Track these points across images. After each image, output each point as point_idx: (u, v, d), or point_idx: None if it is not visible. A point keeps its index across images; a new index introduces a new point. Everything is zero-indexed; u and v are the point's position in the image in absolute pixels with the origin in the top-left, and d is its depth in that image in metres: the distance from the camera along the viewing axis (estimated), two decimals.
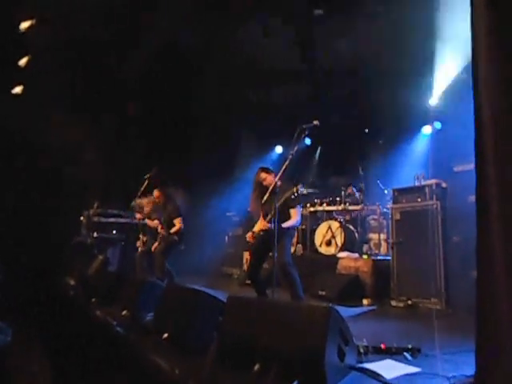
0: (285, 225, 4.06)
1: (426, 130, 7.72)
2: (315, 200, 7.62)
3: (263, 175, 4.24)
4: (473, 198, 1.70)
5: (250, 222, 4.75)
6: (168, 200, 6.01)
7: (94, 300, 4.04)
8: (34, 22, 6.45)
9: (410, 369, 2.20)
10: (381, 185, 6.96)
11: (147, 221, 6.20)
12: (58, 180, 7.96)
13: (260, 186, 4.26)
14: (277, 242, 3.73)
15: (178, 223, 5.84)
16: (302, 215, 5.11)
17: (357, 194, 7.16)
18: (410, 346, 2.50)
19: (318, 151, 9.37)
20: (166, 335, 2.56)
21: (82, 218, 8.36)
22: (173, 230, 5.81)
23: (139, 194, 6.21)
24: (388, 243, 5.91)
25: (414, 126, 7.85)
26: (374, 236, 6.87)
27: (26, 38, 6.67)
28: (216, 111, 8.69)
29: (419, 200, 5.12)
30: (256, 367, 1.89)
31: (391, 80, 6.87)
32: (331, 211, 7.32)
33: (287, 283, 3.98)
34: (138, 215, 6.34)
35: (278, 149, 9.89)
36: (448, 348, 2.64)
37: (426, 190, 5.07)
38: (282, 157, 9.19)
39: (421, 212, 5.04)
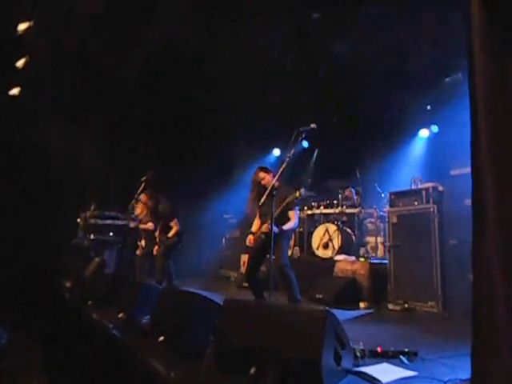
0: (285, 227, 4.08)
1: (423, 133, 7.76)
2: (312, 203, 7.63)
3: (262, 174, 4.26)
4: (469, 201, 1.71)
5: (247, 224, 4.76)
6: (157, 201, 6.00)
7: (90, 302, 4.02)
8: (31, 23, 6.44)
9: (407, 372, 2.20)
10: (378, 188, 6.98)
11: (141, 226, 6.16)
12: (56, 182, 7.94)
13: (258, 187, 4.26)
14: (274, 244, 3.73)
15: (174, 225, 5.84)
16: (299, 218, 5.11)
17: (354, 197, 7.17)
18: (406, 350, 2.50)
19: (315, 154, 9.38)
20: (162, 338, 2.55)
21: (78, 219, 8.34)
22: (170, 234, 5.81)
23: (136, 196, 6.20)
24: (385, 246, 5.91)
25: (411, 130, 7.88)
26: (370, 239, 6.88)
27: (23, 39, 6.66)
28: (213, 112, 8.69)
29: (416, 203, 5.13)
30: (252, 370, 1.88)
31: (389, 82, 6.90)
32: (328, 214, 7.33)
33: (284, 285, 3.99)
34: (132, 224, 6.28)
35: (276, 151, 9.90)
36: (444, 351, 2.65)
37: (423, 193, 5.09)
38: (280, 159, 9.20)
39: (418, 215, 5.05)
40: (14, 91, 7.40)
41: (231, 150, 9.84)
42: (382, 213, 6.50)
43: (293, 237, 7.17)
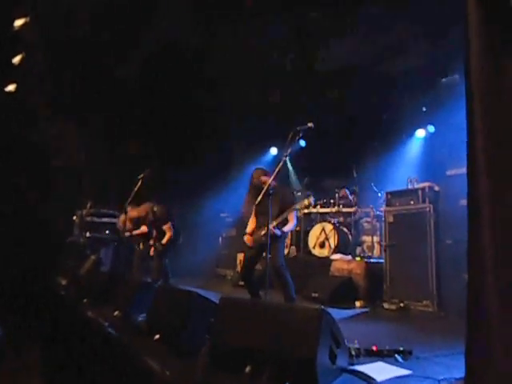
0: (285, 229, 4.10)
1: (420, 133, 7.78)
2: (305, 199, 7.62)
3: (263, 179, 4.19)
4: (465, 201, 1.71)
5: (243, 223, 4.75)
6: (149, 209, 5.97)
7: (85, 300, 4.01)
8: (28, 19, 6.41)
9: (401, 371, 2.21)
10: (374, 187, 6.99)
11: (135, 232, 6.10)
12: (52, 179, 7.91)
13: (256, 189, 4.22)
14: (271, 244, 3.74)
15: (168, 230, 5.83)
16: (297, 217, 5.13)
17: (350, 197, 7.19)
18: (401, 349, 2.51)
19: (313, 154, 9.37)
20: (157, 336, 2.55)
21: (74, 217, 8.30)
22: (164, 240, 5.80)
23: (133, 194, 6.17)
24: (381, 246, 5.93)
25: (407, 130, 7.90)
26: (367, 238, 6.90)
27: (20, 35, 6.62)
28: (211, 112, 8.68)
29: (412, 203, 5.15)
30: (248, 369, 1.88)
31: (386, 83, 6.92)
32: (325, 213, 7.35)
33: (280, 285, 4.00)
34: (126, 233, 6.20)
35: (273, 150, 9.89)
36: (439, 350, 2.66)
37: (419, 193, 5.11)
38: (277, 158, 9.19)
39: (414, 215, 5.07)
40: (10, 88, 7.36)
41: (228, 148, 9.83)
42: (378, 212, 6.52)
43: (289, 236, 7.19)
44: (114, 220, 8.04)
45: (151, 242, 5.87)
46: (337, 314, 4.12)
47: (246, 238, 4.23)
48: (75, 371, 3.40)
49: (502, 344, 1.48)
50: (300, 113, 7.59)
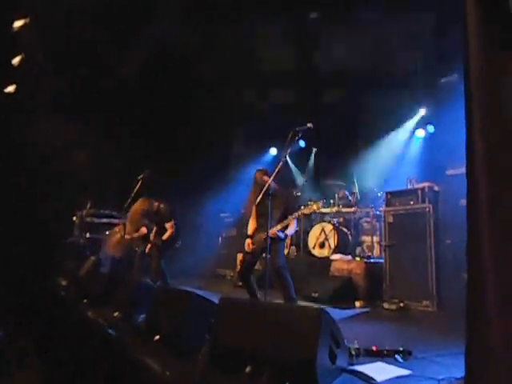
0: (288, 232, 4.11)
1: (419, 133, 7.78)
2: (309, 202, 7.63)
3: (265, 178, 4.17)
4: (464, 201, 1.71)
5: (243, 223, 4.76)
6: (151, 205, 5.95)
7: (85, 301, 4.01)
8: (27, 20, 6.41)
9: (401, 371, 2.21)
10: (374, 187, 6.99)
11: (134, 235, 6.08)
12: (53, 179, 7.91)
13: (261, 189, 4.20)
14: (272, 245, 3.74)
15: (169, 228, 5.82)
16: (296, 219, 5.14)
17: (349, 198, 7.19)
18: (401, 349, 2.51)
19: (313, 153, 9.38)
20: (157, 337, 2.55)
21: (74, 218, 8.30)
22: (164, 236, 5.79)
23: (132, 194, 6.17)
24: (381, 246, 5.93)
25: (407, 129, 7.90)
26: (366, 238, 6.89)
27: (19, 36, 6.62)
28: (211, 112, 8.68)
29: (412, 203, 5.15)
30: (247, 369, 1.88)
31: (386, 82, 6.92)
32: (325, 213, 7.34)
33: (280, 285, 4.00)
34: (127, 236, 6.18)
35: (273, 150, 9.89)
36: (439, 350, 2.66)
37: (419, 193, 5.11)
38: (277, 158, 9.19)
39: (413, 215, 5.07)
40: (10, 89, 7.36)
41: (228, 148, 9.84)
42: (378, 212, 6.51)
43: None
44: (113, 221, 8.05)
45: (151, 238, 5.85)
46: (337, 314, 4.12)
47: (247, 244, 4.20)
48: (75, 372, 3.40)
49: (502, 344, 1.48)
50: (300, 113, 7.58)
